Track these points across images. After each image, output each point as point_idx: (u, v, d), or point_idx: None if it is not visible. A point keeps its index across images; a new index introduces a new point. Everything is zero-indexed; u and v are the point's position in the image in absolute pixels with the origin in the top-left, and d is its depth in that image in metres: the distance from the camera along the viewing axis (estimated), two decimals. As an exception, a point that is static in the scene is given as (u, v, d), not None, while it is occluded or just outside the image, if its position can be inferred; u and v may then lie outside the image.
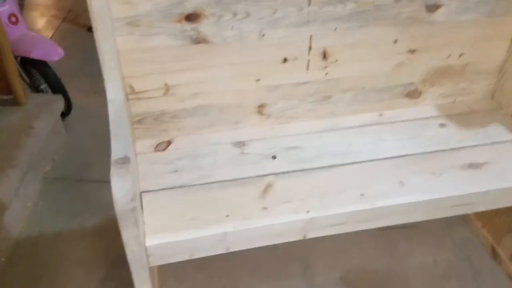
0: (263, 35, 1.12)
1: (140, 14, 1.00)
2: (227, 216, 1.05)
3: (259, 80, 1.20)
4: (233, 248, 1.07)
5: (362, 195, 1.11)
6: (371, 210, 1.08)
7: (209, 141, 1.25)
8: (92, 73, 2.29)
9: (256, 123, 1.29)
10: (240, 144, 1.25)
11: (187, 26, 1.05)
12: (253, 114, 1.27)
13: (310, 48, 1.18)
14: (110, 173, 0.81)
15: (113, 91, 0.96)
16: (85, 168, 1.80)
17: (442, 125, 1.34)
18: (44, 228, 1.56)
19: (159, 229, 0.99)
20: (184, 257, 1.04)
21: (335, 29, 1.15)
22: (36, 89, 1.96)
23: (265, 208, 1.07)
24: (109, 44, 0.93)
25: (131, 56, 1.05)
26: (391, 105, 1.37)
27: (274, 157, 1.21)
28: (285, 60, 1.18)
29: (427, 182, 1.14)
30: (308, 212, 1.07)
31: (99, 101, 2.13)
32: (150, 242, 0.96)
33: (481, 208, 1.18)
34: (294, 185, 1.14)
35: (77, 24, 2.90)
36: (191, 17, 1.04)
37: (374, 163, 1.20)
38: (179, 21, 1.04)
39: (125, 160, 0.85)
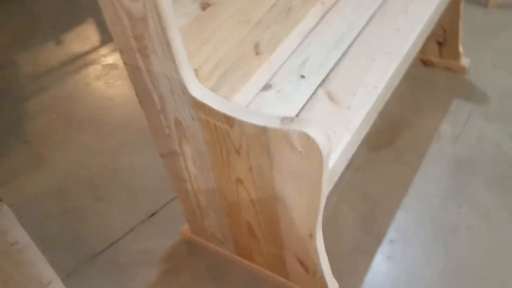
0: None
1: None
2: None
3: (249, 20, 1.20)
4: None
5: (389, 52, 1.27)
6: (404, 56, 1.27)
7: (243, 102, 1.23)
8: None
9: (257, 64, 1.30)
10: (267, 87, 1.26)
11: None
12: (253, 57, 1.28)
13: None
14: (302, 130, 0.80)
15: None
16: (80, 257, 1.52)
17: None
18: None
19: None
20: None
21: None
22: None
23: (349, 108, 1.15)
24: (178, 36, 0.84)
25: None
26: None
27: (303, 76, 1.27)
28: (258, -9, 1.20)
29: (404, 18, 1.38)
30: (376, 87, 1.19)
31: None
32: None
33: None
34: (343, 80, 1.23)
35: None
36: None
37: (366, 31, 1.37)
38: (185, -5, 0.97)
39: (291, 117, 0.83)
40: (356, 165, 1.61)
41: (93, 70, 2.22)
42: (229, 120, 0.88)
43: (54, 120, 2.01)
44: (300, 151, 0.84)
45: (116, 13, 0.82)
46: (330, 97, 1.19)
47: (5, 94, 2.19)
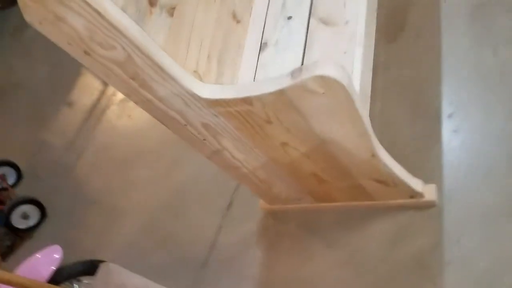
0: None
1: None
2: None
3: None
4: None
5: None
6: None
7: (250, 72, 1.24)
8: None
9: (243, 31, 1.31)
10: (263, 46, 1.26)
11: (157, 9, 1.00)
12: (236, 27, 1.28)
13: None
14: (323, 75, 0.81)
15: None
16: None
17: None
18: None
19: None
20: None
21: None
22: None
23: (347, 22, 1.14)
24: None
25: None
26: None
27: (290, 17, 1.26)
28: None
29: None
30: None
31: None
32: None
33: None
34: (330, 8, 1.21)
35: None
36: (152, 2, 0.99)
37: None
38: (151, 12, 0.98)
39: (298, 68, 0.85)
40: (382, 65, 1.59)
41: (111, 112, 2.30)
42: (246, 101, 0.91)
43: (105, 172, 2.12)
44: (323, 93, 0.86)
45: (105, 67, 0.86)
46: (324, 22, 1.18)
47: (52, 173, 2.32)
